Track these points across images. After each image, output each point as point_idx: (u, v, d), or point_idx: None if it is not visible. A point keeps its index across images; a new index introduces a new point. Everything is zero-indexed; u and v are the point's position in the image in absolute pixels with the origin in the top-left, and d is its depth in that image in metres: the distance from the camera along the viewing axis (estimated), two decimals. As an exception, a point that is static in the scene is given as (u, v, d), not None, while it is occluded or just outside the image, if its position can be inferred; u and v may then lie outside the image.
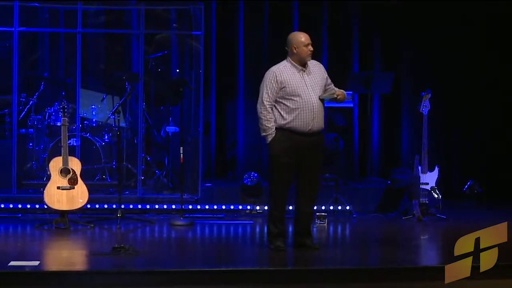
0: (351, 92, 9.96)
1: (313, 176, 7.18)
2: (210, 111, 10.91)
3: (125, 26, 10.76)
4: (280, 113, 7.00)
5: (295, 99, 6.97)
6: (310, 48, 7.06)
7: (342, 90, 7.25)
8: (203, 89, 9.75)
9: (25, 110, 9.99)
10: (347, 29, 11.11)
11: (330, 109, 10.22)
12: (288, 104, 6.98)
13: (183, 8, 10.08)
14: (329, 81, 7.26)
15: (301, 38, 7.08)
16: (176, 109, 10.23)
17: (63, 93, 10.03)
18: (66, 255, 7.23)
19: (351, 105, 10.23)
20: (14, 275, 6.06)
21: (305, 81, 7.03)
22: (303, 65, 7.08)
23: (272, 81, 7.01)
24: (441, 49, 10.94)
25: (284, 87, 6.99)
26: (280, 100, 7.00)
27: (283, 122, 7.00)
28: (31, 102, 10.00)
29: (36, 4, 10.01)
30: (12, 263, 6.32)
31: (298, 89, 6.99)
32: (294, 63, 7.08)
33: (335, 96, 7.13)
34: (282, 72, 7.04)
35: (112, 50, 10.83)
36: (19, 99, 9.77)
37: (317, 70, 7.18)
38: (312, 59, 7.23)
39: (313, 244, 7.20)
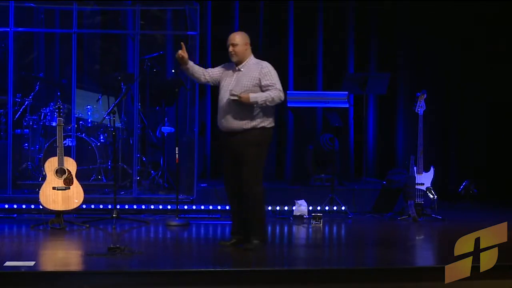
0: (346, 93, 9.96)
1: (241, 175, 7.04)
2: (205, 111, 10.91)
3: (120, 27, 10.76)
4: None
5: (219, 96, 7.18)
6: (230, 48, 7.11)
7: (244, 94, 6.96)
8: (198, 89, 9.75)
9: (21, 110, 9.98)
10: (343, 30, 11.11)
11: (326, 110, 10.22)
12: None
13: (178, 9, 10.09)
14: (266, 82, 7.03)
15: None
16: (171, 110, 10.23)
17: (59, 94, 10.02)
18: (62, 255, 7.22)
19: (347, 105, 10.23)
20: (10, 275, 6.04)
21: (231, 80, 7.13)
22: (237, 64, 7.15)
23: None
24: (437, 49, 10.95)
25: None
26: None
27: None
28: (26, 102, 9.99)
29: (32, 5, 10.00)
30: (8, 263, 6.31)
31: (222, 87, 7.17)
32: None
33: (235, 98, 6.97)
34: (224, 67, 7.25)
35: (107, 50, 10.82)
36: (14, 99, 9.75)
37: (251, 71, 7.09)
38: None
39: (248, 244, 7.18)
